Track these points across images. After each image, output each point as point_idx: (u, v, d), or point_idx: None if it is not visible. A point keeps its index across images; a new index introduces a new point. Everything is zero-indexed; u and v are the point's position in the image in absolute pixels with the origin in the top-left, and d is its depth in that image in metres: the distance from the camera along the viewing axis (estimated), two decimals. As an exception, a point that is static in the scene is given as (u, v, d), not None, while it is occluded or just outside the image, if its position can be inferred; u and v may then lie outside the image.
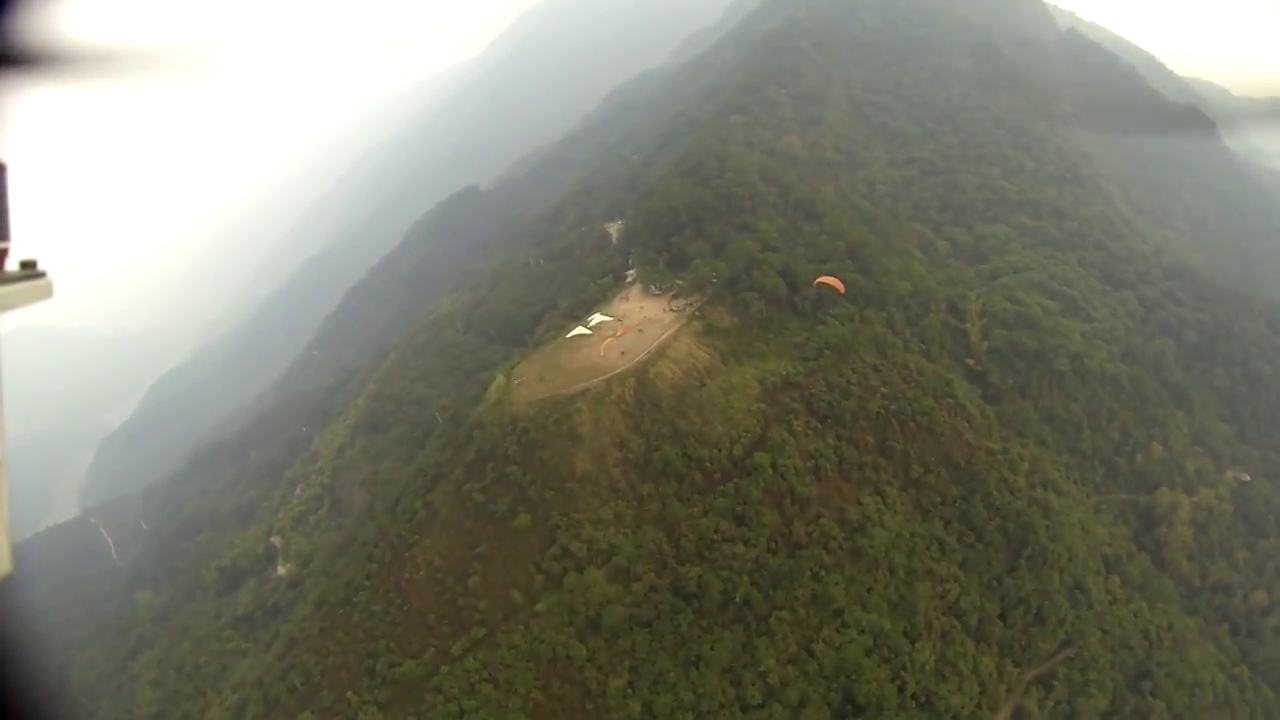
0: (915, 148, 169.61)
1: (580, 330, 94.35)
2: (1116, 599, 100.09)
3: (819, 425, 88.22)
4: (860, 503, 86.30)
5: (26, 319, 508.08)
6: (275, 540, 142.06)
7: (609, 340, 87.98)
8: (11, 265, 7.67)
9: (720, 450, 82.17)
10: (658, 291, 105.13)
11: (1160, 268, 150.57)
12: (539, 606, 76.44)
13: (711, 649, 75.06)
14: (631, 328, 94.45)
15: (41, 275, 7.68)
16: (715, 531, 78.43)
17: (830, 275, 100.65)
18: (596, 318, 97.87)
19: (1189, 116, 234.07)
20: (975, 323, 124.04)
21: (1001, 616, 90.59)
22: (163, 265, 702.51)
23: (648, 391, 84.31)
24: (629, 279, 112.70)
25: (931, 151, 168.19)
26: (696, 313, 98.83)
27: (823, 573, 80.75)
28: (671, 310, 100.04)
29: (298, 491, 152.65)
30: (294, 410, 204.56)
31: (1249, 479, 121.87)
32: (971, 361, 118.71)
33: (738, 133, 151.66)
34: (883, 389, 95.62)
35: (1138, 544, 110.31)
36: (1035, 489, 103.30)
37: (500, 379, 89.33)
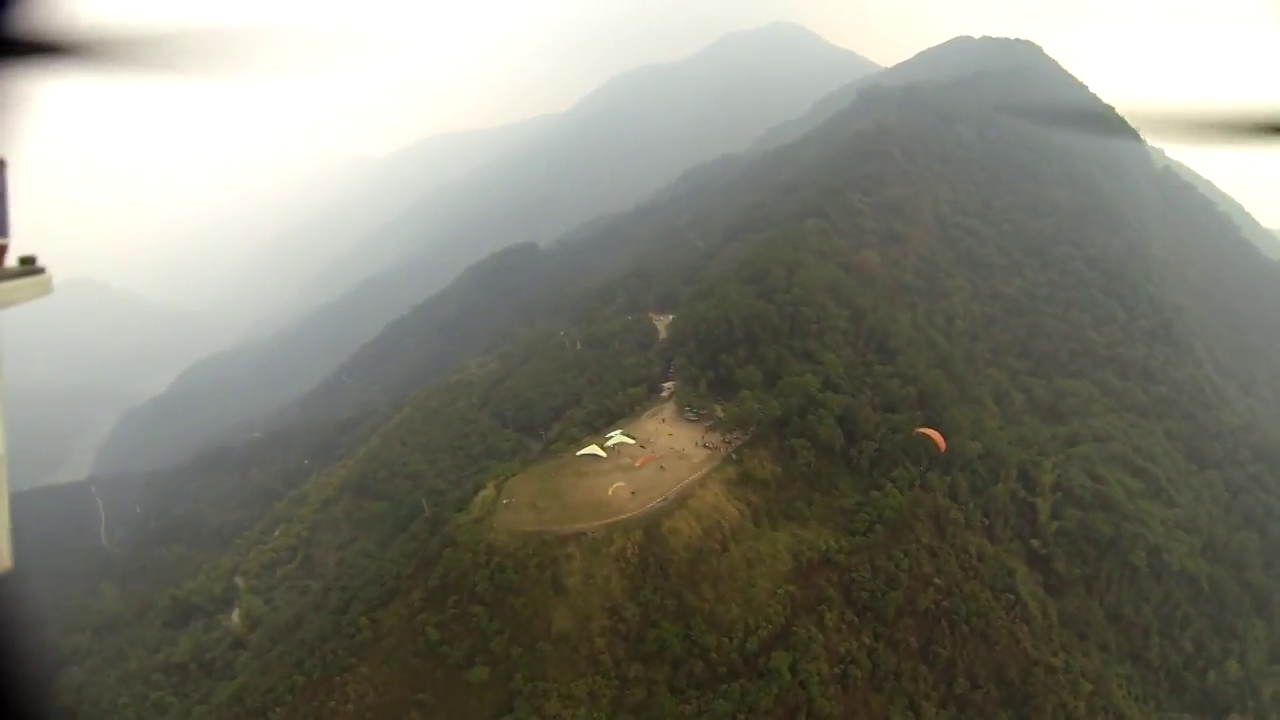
0: (1001, 281, 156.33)
1: (594, 450, 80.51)
2: None
3: (855, 619, 73.11)
4: (889, 721, 70.73)
5: (83, 273, 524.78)
6: (239, 580, 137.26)
7: (618, 485, 73.58)
8: (11, 262, 7.50)
9: (732, 639, 67.34)
10: (693, 417, 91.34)
11: (1249, 446, 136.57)
12: (479, 784, 62.98)
13: None
14: (654, 458, 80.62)
15: (40, 271, 7.61)
16: (708, 740, 63.36)
17: (926, 427, 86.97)
18: (616, 437, 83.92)
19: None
20: (1047, 497, 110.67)
21: None
22: (232, 253, 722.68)
23: (656, 549, 70.16)
24: (664, 393, 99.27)
25: (1018, 288, 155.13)
26: (733, 454, 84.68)
27: (829, 808, 65.37)
28: (705, 445, 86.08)
29: (277, 533, 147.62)
30: (303, 437, 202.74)
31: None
32: (1037, 543, 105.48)
33: (812, 239, 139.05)
34: (936, 579, 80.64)
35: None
36: (1095, 716, 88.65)
37: (490, 490, 76.54)
